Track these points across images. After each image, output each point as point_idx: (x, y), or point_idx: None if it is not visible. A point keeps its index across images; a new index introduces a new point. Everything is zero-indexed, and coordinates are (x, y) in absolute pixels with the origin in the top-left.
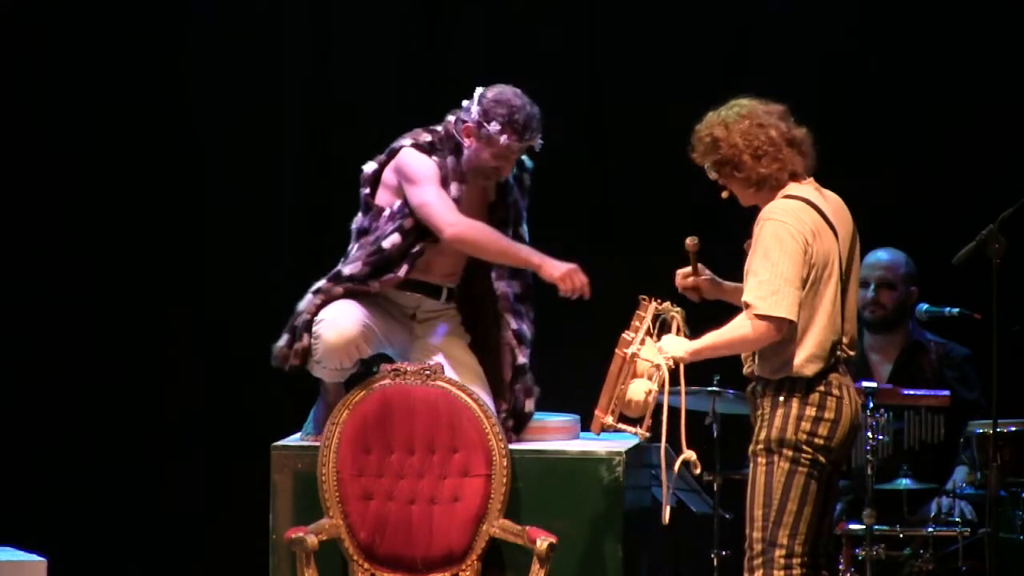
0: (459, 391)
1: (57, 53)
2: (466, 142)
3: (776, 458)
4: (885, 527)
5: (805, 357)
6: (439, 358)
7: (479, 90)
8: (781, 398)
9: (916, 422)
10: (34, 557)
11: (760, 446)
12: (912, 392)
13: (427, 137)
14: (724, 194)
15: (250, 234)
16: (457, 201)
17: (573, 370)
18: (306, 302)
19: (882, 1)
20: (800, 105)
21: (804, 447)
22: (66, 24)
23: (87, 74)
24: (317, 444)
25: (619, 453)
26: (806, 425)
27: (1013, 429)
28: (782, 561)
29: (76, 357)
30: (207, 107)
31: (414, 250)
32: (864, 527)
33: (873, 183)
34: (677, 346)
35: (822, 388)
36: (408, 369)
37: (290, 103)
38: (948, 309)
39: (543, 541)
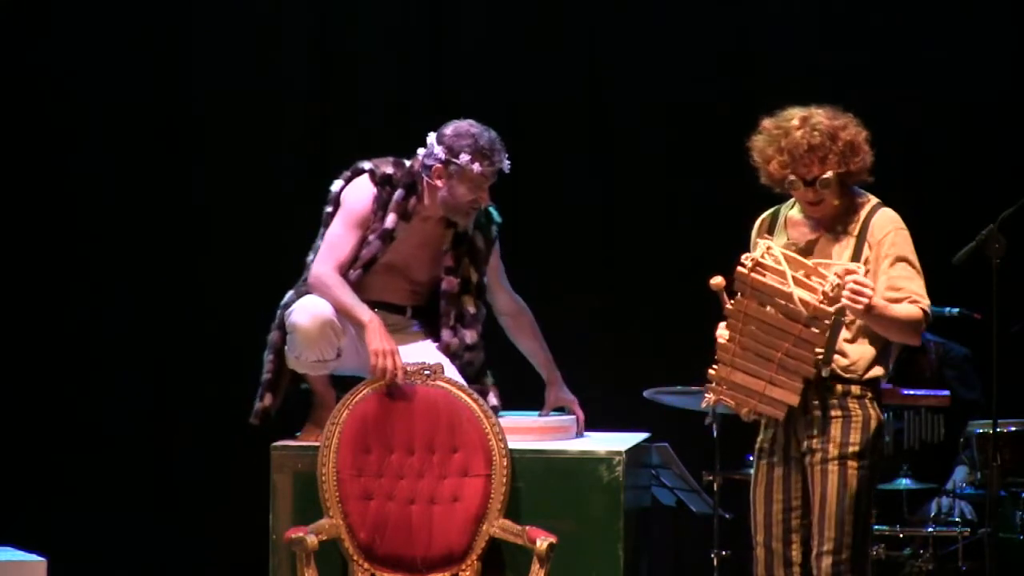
0: (459, 391)
1: (55, 52)
2: (439, 184)
3: (866, 463)
4: (885, 527)
5: (889, 362)
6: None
7: (432, 135)
8: (866, 400)
9: (916, 422)
10: (34, 557)
11: (852, 449)
12: (912, 392)
13: (389, 169)
14: (836, 201)
15: (250, 233)
16: (392, 238)
17: (572, 370)
18: (265, 363)
19: (882, 1)
20: (800, 105)
21: (879, 453)
22: (64, 22)
23: (84, 71)
24: (317, 444)
25: (619, 453)
26: (880, 430)
27: (1013, 429)
28: (862, 564)
29: (76, 357)
30: (206, 104)
31: (349, 276)
32: None
33: (873, 183)
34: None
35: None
36: (408, 369)
37: (291, 100)
38: (948, 309)
39: (543, 541)
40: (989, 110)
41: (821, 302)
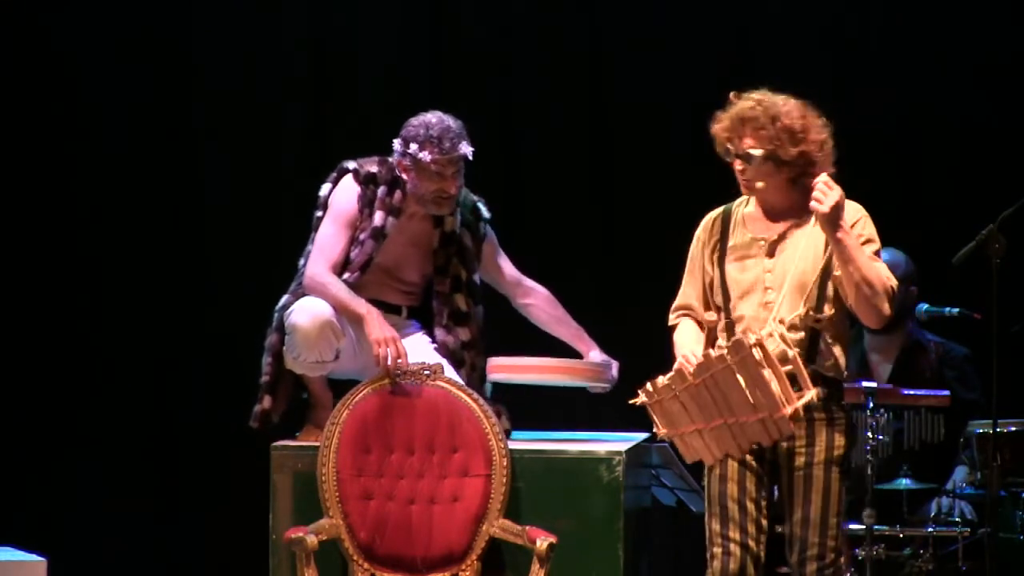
0: (459, 391)
1: (55, 52)
2: (406, 177)
3: (846, 467)
4: (885, 527)
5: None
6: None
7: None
8: (842, 402)
9: (916, 422)
10: (34, 557)
11: (837, 453)
12: (912, 392)
13: (373, 168)
14: (760, 183)
15: (251, 232)
16: (384, 235)
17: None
18: (264, 365)
19: (882, 1)
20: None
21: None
22: (64, 22)
23: (84, 72)
24: (317, 444)
25: (619, 453)
26: (856, 433)
27: (1013, 429)
28: (842, 566)
29: (76, 357)
30: (207, 105)
31: (345, 278)
32: (864, 527)
33: (873, 183)
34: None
35: None
36: (408, 369)
37: (291, 100)
38: (948, 309)
39: (543, 541)
40: (989, 109)
41: (791, 416)
